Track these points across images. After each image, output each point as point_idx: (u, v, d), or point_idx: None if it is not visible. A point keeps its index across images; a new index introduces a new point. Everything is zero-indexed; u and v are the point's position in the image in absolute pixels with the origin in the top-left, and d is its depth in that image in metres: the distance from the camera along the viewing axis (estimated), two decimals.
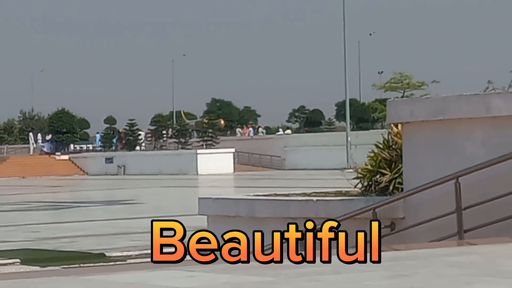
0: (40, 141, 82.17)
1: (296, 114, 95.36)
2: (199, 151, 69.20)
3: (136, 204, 33.75)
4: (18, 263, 13.95)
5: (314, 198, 8.77)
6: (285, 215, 8.16)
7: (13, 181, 59.86)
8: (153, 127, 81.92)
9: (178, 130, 77.37)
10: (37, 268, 11.87)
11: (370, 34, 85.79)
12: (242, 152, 71.51)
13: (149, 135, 78.22)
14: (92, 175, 70.42)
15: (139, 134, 77.82)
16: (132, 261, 12.65)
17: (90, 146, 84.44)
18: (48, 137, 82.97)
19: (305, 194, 9.39)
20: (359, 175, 8.79)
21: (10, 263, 13.66)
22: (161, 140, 77.49)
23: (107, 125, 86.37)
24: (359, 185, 8.82)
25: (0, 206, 33.07)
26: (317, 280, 3.70)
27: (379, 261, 3.62)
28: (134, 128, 77.18)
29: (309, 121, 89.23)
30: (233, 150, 68.83)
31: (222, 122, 77.74)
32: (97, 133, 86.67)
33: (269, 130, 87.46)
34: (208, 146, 71.87)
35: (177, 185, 49.89)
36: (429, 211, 7.09)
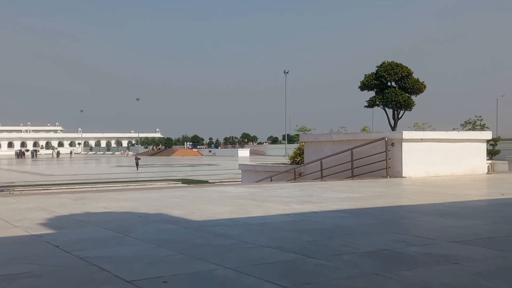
0: None
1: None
2: None
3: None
4: (180, 182, 26.25)
5: (277, 164, 21.61)
6: (267, 170, 20.68)
7: None
8: None
9: None
10: (186, 185, 23.44)
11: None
12: None
13: None
14: None
15: None
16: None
17: None
18: None
19: (273, 164, 22.41)
20: (290, 158, 21.79)
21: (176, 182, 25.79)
22: None
23: None
24: (289, 161, 21.79)
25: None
26: (281, 188, 15.56)
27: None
28: None
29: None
30: None
31: None
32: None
33: None
34: None
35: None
36: (312, 170, 19.36)
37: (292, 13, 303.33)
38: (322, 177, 18.24)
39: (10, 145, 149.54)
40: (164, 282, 4.16)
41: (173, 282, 4.18)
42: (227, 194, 11.86)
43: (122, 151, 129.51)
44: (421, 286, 4.02)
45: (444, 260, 4.86)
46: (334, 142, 18.91)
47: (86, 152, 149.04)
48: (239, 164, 21.57)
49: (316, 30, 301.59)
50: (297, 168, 19.94)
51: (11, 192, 24.38)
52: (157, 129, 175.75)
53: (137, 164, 57.57)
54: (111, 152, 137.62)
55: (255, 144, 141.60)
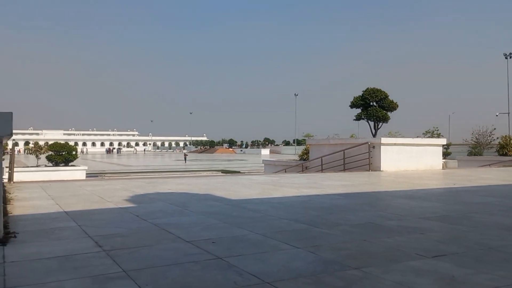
0: None
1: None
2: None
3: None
4: (220, 172, 25.87)
5: (290, 160, 21.41)
6: (282, 164, 20.57)
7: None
8: None
9: None
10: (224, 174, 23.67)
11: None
12: None
13: None
14: None
15: None
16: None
17: None
18: None
19: (287, 160, 22.18)
20: (299, 156, 21.61)
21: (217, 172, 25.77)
22: None
23: None
24: (298, 158, 21.60)
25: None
26: (293, 177, 15.60)
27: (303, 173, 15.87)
28: None
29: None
30: None
31: None
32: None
33: None
34: None
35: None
36: (315, 165, 19.27)
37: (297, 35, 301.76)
38: (322, 170, 18.11)
39: (102, 144, 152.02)
40: (213, 242, 4.19)
41: (219, 242, 4.21)
42: (255, 181, 11.85)
43: (177, 150, 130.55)
44: (396, 249, 3.98)
45: (413, 231, 4.80)
46: (331, 145, 18.75)
47: (154, 150, 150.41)
48: (263, 160, 21.59)
49: (321, 58, 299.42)
50: (304, 163, 19.83)
51: (103, 177, 24.70)
52: (204, 134, 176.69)
53: (185, 158, 58.00)
54: (172, 150, 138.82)
55: (273, 145, 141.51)
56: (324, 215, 5.89)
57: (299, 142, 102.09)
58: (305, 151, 20.88)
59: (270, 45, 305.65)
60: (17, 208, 6.33)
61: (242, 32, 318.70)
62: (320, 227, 5.00)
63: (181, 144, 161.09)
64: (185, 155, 61.03)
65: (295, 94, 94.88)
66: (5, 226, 4.53)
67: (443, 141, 19.23)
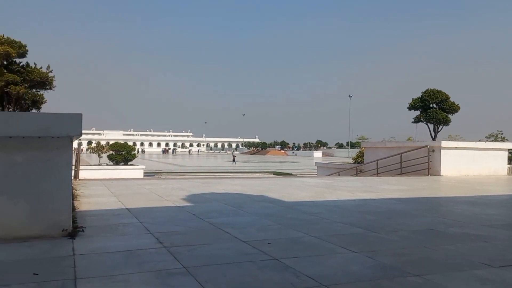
0: None
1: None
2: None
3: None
4: (272, 174, 25.98)
5: (343, 163, 21.05)
6: (336, 167, 20.31)
7: None
8: None
9: None
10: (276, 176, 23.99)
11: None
12: None
13: None
14: None
15: None
16: None
17: None
18: None
19: (340, 162, 21.83)
20: (353, 159, 21.23)
21: (269, 174, 26.09)
22: None
23: None
24: (353, 161, 21.21)
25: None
26: (347, 181, 15.35)
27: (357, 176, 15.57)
28: None
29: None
30: None
31: None
32: None
33: None
34: None
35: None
36: (369, 168, 18.87)
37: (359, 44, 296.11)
38: (377, 174, 17.67)
39: (158, 144, 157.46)
40: (268, 243, 4.23)
41: (274, 243, 4.24)
42: (308, 183, 11.78)
43: (231, 151, 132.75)
44: (459, 257, 3.82)
45: (477, 239, 4.58)
46: (387, 148, 18.25)
47: (207, 151, 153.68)
48: (315, 162, 21.43)
49: (377, 58, 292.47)
50: (359, 166, 19.42)
51: (159, 177, 25.54)
52: (256, 136, 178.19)
53: (233, 160, 58.64)
54: (224, 152, 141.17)
55: (325, 148, 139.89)
56: (381, 220, 5.76)
57: (352, 145, 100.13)
58: (359, 154, 20.43)
59: (324, 45, 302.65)
60: (83, 204, 6.72)
61: (294, 33, 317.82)
62: (377, 232, 4.89)
63: (233, 145, 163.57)
64: (234, 156, 61.85)
65: (349, 96, 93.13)
66: (73, 221, 4.83)
67: (509, 145, 18.10)
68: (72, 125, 4.41)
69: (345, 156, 72.18)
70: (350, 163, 21.79)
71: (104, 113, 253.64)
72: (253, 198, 8.07)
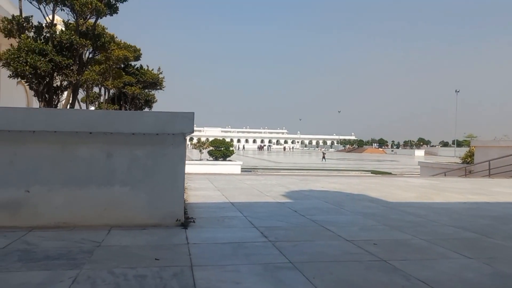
0: None
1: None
2: None
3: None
4: (370, 173, 25.20)
5: (449, 162, 19.69)
6: (442, 167, 19.06)
7: None
8: None
9: None
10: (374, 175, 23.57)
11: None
12: None
13: None
14: None
15: None
16: None
17: None
18: None
19: (447, 162, 20.42)
20: (462, 158, 19.74)
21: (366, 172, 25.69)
22: None
23: None
24: (461, 161, 19.72)
25: None
26: (455, 182, 14.25)
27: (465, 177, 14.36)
28: None
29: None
30: None
31: None
32: None
33: None
34: None
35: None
36: (480, 169, 17.37)
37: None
38: (489, 175, 16.26)
39: (254, 141, 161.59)
40: (374, 244, 4.15)
41: (380, 244, 4.14)
42: (411, 183, 11.24)
43: (319, 148, 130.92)
44: None
45: None
46: (500, 147, 16.69)
47: (302, 148, 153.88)
48: (418, 162, 20.27)
49: (485, 50, 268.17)
50: (468, 166, 18.02)
51: (256, 172, 26.20)
52: (352, 133, 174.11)
53: (323, 157, 57.81)
54: (319, 149, 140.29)
55: (428, 146, 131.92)
56: (496, 225, 5.32)
57: (459, 143, 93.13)
58: (468, 154, 18.91)
59: (427, 40, 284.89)
60: (191, 196, 7.18)
61: (397, 29, 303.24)
62: (493, 238, 4.53)
63: (328, 143, 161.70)
64: (324, 153, 61.11)
65: (456, 91, 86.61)
66: (185, 212, 5.20)
67: None
68: (186, 123, 4.74)
69: (451, 156, 67.36)
70: (457, 163, 20.29)
71: (203, 111, 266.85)
72: (352, 196, 7.94)
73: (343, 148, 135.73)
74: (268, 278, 3.04)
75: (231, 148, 25.19)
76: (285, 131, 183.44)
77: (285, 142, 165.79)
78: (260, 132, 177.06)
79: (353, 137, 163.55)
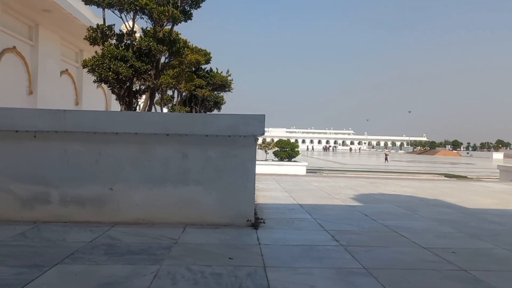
0: None
1: None
2: None
3: None
4: (443, 176, 23.84)
5: None
6: None
7: None
8: None
9: None
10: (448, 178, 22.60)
11: None
12: None
13: None
14: None
15: None
16: None
17: None
18: None
19: None
20: None
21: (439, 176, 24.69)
22: None
23: None
24: None
25: None
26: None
27: None
28: None
29: None
30: None
31: None
32: None
33: None
34: None
35: None
36: None
37: None
38: None
39: (319, 142, 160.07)
40: (453, 252, 3.95)
41: (460, 253, 3.93)
42: (490, 188, 10.54)
43: (385, 150, 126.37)
44: None
45: None
46: None
47: (369, 149, 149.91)
48: (498, 165, 18.88)
49: None
50: None
51: (321, 173, 25.91)
52: (424, 134, 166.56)
53: (386, 159, 55.55)
54: (387, 150, 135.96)
55: (508, 148, 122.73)
56: None
57: None
58: None
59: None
60: (259, 197, 7.28)
61: (457, 22, 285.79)
62: None
63: (397, 144, 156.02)
64: (386, 155, 58.76)
65: None
66: (254, 213, 5.28)
67: None
68: (256, 125, 4.82)
69: None
70: None
71: (269, 111, 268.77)
72: (426, 201, 7.61)
73: (414, 149, 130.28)
74: (342, 283, 3.01)
75: (296, 149, 25.13)
76: (351, 131, 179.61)
77: (351, 143, 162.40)
78: (326, 133, 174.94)
79: (424, 138, 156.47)
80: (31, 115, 4.84)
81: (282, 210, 6.08)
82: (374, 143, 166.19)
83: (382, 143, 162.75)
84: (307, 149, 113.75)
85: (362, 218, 5.64)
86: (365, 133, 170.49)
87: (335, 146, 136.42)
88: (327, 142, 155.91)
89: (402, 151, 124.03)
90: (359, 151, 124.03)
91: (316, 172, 26.37)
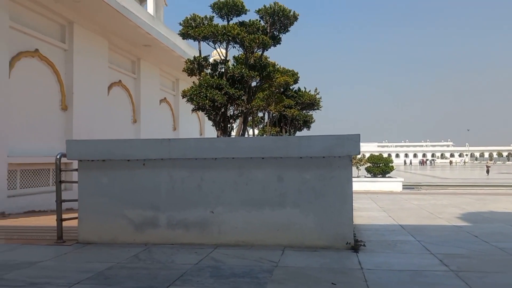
0: None
1: None
2: None
3: None
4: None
5: None
6: None
7: None
8: None
9: None
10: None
11: None
12: None
13: None
14: None
15: None
16: None
17: None
18: None
19: None
20: None
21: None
22: None
23: None
24: None
25: None
26: None
27: None
28: None
29: None
30: None
31: None
32: None
33: None
34: None
35: None
36: None
37: None
38: None
39: (415, 155, 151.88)
40: None
41: None
42: None
43: (488, 162, 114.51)
44: None
45: None
46: None
47: (472, 162, 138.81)
48: None
49: None
50: None
51: (419, 189, 24.57)
52: None
53: (487, 171, 50.42)
54: (492, 162, 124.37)
55: None
56: None
57: None
58: None
59: None
60: (356, 217, 7.10)
61: None
62: None
63: (504, 154, 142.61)
64: (488, 167, 53.43)
65: None
66: (353, 235, 5.17)
67: None
68: (352, 145, 4.76)
69: None
70: None
71: (357, 125, 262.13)
72: None
73: None
74: None
75: (390, 164, 24.18)
76: (451, 143, 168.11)
77: (451, 155, 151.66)
78: (421, 146, 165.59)
79: None
80: (140, 145, 5.29)
81: (382, 231, 5.87)
82: (477, 154, 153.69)
83: (486, 154, 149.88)
84: (405, 163, 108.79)
85: (471, 239, 5.24)
86: (466, 144, 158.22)
87: (433, 160, 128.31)
88: (424, 155, 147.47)
89: (510, 162, 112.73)
90: (464, 163, 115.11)
91: (413, 188, 25.06)
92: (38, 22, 10.71)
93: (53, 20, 11.23)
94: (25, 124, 10.17)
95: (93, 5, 10.99)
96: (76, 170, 5.38)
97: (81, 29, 11.99)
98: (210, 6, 9.54)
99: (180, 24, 9.63)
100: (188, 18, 9.58)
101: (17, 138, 9.82)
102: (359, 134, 4.76)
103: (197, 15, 9.57)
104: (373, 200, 9.85)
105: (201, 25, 9.36)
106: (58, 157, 5.31)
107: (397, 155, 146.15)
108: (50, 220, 7.07)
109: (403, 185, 21.92)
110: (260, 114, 14.73)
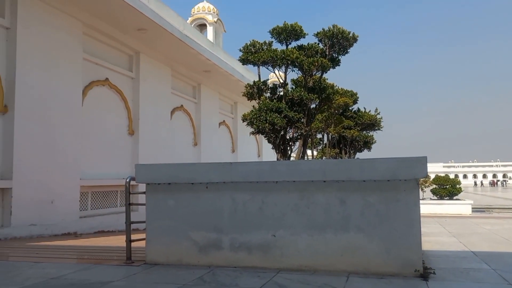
0: None
1: None
2: None
3: None
4: None
5: None
6: None
7: None
8: None
9: None
10: None
11: None
12: None
13: None
14: None
15: None
16: None
17: None
18: None
19: None
20: None
21: None
22: None
23: None
24: None
25: None
26: None
27: None
28: None
29: None
30: None
31: None
32: None
33: None
34: None
35: None
36: None
37: None
38: None
39: (484, 176, 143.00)
40: None
41: None
42: None
43: None
44: None
45: None
46: None
47: None
48: None
49: None
50: None
51: (490, 212, 23.07)
52: None
53: None
54: None
55: None
56: None
57: None
58: None
59: None
60: (424, 243, 6.76)
61: None
62: None
63: None
64: None
65: None
66: (422, 262, 4.94)
67: None
68: (418, 168, 4.61)
69: None
70: None
71: (422, 145, 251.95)
72: None
73: None
74: None
75: (458, 186, 22.98)
76: None
77: None
78: (491, 166, 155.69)
79: None
80: (203, 169, 5.45)
81: (452, 258, 5.57)
82: None
83: None
84: (475, 184, 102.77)
85: None
86: None
87: (504, 180, 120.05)
88: (494, 176, 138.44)
89: None
90: None
91: (484, 211, 23.57)
92: (108, 53, 11.50)
93: (121, 51, 12.00)
94: (95, 149, 10.84)
95: (158, 35, 11.63)
96: (143, 193, 5.63)
97: (147, 58, 12.70)
98: (269, 31, 9.78)
99: (240, 50, 9.93)
100: (248, 44, 9.87)
101: (89, 162, 10.47)
102: (426, 157, 4.61)
103: (257, 41, 9.84)
104: (441, 224, 9.38)
105: (260, 50, 9.59)
106: (127, 180, 5.59)
107: (465, 176, 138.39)
108: (118, 240, 7.42)
109: (472, 208, 20.71)
110: (319, 136, 14.66)
